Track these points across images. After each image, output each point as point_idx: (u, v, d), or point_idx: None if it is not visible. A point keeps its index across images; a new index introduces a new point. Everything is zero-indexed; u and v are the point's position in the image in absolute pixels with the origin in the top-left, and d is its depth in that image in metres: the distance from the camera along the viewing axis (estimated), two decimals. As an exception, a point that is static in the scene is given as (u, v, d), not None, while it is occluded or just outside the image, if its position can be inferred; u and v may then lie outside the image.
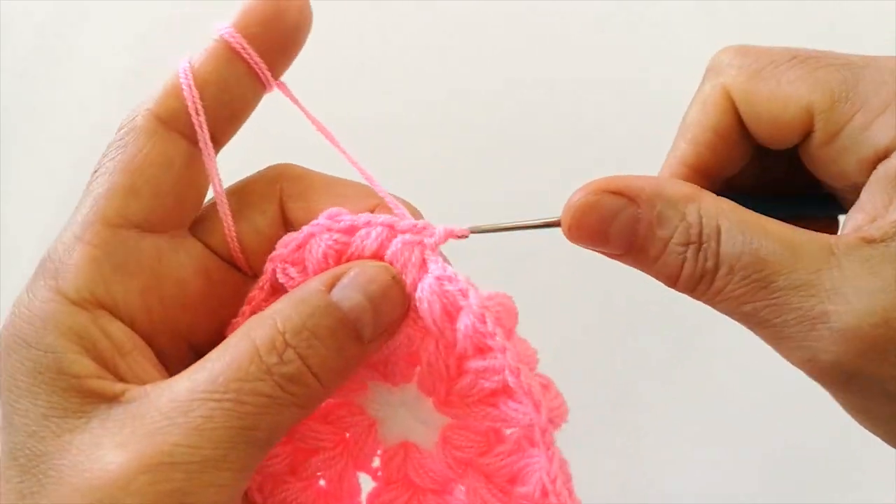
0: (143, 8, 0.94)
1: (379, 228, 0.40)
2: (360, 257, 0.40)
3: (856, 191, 0.41)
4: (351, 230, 0.40)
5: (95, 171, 0.41)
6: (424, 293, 0.39)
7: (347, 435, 0.45)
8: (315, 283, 0.39)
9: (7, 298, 0.87)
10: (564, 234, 0.42)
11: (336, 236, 0.40)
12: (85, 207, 0.40)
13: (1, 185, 0.88)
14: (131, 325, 0.39)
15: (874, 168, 0.40)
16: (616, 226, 0.40)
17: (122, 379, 0.38)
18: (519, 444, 0.42)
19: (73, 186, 0.87)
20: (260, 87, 0.42)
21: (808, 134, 0.42)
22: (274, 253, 0.42)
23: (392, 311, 0.40)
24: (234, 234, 0.43)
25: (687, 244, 0.39)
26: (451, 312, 0.39)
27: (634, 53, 0.91)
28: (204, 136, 0.41)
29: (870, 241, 0.38)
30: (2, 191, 0.87)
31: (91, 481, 0.35)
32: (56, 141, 0.90)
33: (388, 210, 0.43)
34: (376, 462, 0.45)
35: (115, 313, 0.39)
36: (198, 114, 0.41)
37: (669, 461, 0.75)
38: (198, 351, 0.42)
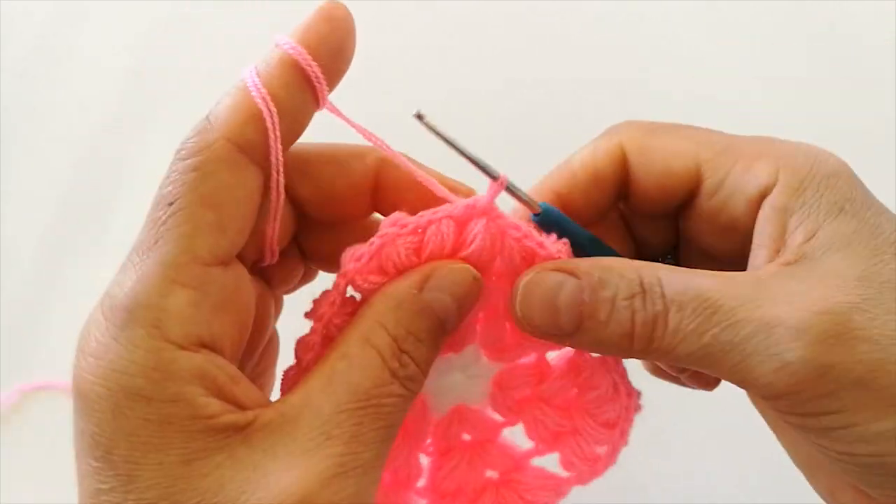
0: (143, 8, 0.94)
1: (445, 221, 0.42)
2: (441, 251, 0.42)
3: (735, 254, 0.45)
4: (417, 230, 0.42)
5: (170, 203, 0.39)
6: (506, 250, 0.44)
7: None
8: (407, 286, 0.42)
9: (7, 298, 0.87)
10: (517, 319, 0.43)
11: (409, 238, 0.42)
12: (169, 244, 0.39)
13: (1, 185, 0.87)
14: (222, 354, 0.40)
15: (759, 206, 0.44)
16: (563, 297, 0.42)
17: (242, 406, 0.39)
18: (572, 364, 0.48)
19: (73, 186, 0.87)
20: (314, 108, 0.42)
21: (694, 188, 0.46)
22: (345, 269, 0.42)
23: (471, 305, 0.43)
24: (275, 248, 0.44)
25: (632, 296, 0.41)
26: (529, 259, 0.44)
27: (634, 53, 0.91)
28: (278, 165, 0.41)
29: (788, 264, 0.41)
30: (2, 191, 0.87)
31: None
32: (56, 141, 0.90)
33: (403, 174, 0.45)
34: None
35: (214, 348, 0.39)
36: (276, 143, 0.40)
37: (670, 463, 0.75)
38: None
